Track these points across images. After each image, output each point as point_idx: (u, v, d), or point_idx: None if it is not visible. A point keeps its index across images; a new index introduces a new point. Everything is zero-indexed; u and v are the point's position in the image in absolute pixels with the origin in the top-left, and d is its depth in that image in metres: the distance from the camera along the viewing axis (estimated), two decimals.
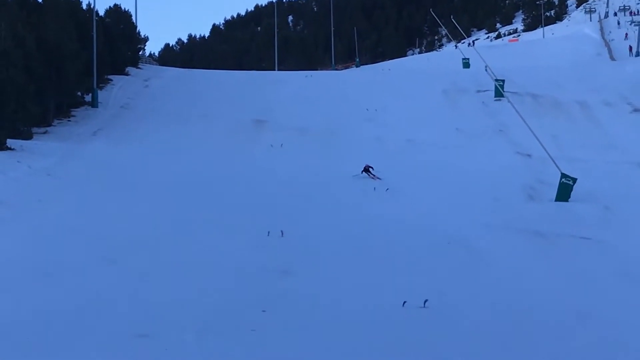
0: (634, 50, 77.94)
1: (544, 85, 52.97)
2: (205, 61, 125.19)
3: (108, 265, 21.73)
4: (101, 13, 62.63)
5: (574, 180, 32.08)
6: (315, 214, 29.25)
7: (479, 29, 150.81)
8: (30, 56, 41.09)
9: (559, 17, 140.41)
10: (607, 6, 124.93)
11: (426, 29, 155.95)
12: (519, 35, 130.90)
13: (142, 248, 23.79)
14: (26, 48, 40.98)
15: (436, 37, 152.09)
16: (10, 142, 37.24)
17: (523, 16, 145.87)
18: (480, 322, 17.53)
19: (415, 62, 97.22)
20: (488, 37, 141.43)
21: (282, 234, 25.38)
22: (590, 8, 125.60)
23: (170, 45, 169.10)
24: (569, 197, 31.96)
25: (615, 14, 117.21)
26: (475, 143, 42.29)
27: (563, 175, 32.33)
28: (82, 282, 19.91)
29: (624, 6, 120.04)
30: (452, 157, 39.42)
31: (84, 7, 54.88)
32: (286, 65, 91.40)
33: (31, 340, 15.43)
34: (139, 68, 65.26)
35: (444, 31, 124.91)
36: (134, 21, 69.34)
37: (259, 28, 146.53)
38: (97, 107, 49.94)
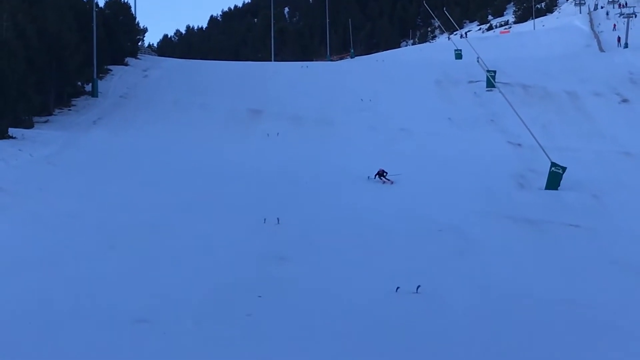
0: (622, 42, 77.89)
1: (534, 76, 52.95)
2: (203, 52, 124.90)
3: (108, 251, 21.75)
4: (101, 4, 62.39)
5: (564, 169, 32.14)
6: (311, 202, 29.27)
7: (471, 21, 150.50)
8: (31, 47, 40.98)
9: (550, 9, 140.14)
10: None
11: (419, 20, 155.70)
12: (510, 27, 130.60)
13: (141, 234, 23.81)
14: (27, 39, 40.87)
15: (429, 29, 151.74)
16: (11, 130, 37.20)
17: (514, 8, 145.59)
18: (471, 307, 17.58)
19: (408, 53, 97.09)
20: (480, 29, 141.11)
21: (278, 221, 25.39)
22: (580, 1, 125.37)
23: (169, 36, 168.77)
24: (559, 185, 32.02)
25: (603, 7, 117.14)
26: (467, 132, 42.29)
27: (553, 164, 32.38)
28: (82, 268, 19.91)
29: None
30: (445, 146, 39.40)
31: None
32: (282, 56, 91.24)
33: (32, 325, 15.44)
34: (138, 59, 65.06)
35: (437, 23, 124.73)
36: (133, 12, 69.07)
37: (255, 19, 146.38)
38: (97, 96, 49.86)
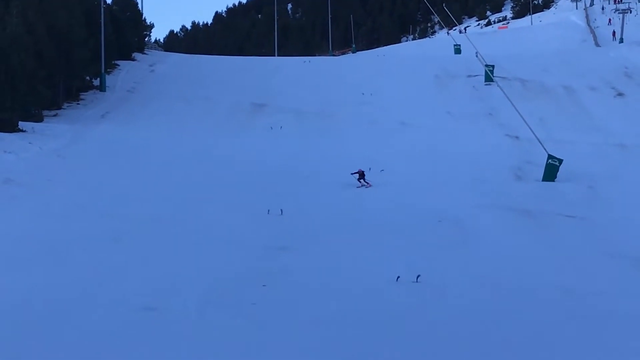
0: (617, 36, 77.73)
1: (531, 71, 52.89)
2: (208, 47, 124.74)
3: (115, 241, 21.76)
4: (108, 1, 62.35)
5: (560, 161, 32.11)
6: (313, 193, 29.27)
7: (470, 17, 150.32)
8: (40, 42, 41.00)
9: (547, 5, 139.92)
10: None
11: (419, 16, 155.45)
12: (508, 23, 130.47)
13: (148, 225, 23.84)
14: (37, 34, 40.89)
15: (429, 25, 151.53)
16: (22, 124, 37.24)
17: (512, 4, 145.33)
18: (470, 295, 17.56)
19: (408, 48, 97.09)
20: (479, 25, 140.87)
21: (282, 212, 25.39)
22: None
23: (175, 32, 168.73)
24: (555, 177, 31.99)
25: (596, 2, 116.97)
26: (466, 126, 42.24)
27: (549, 157, 32.35)
28: (90, 257, 19.93)
29: None
30: (444, 139, 39.37)
31: None
32: (285, 51, 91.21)
33: (42, 312, 15.45)
34: (145, 54, 65.06)
35: (436, 18, 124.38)
36: (140, 9, 69.16)
37: (259, 15, 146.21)
38: (105, 90, 49.88)
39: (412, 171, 33.23)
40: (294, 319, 15.45)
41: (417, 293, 17.53)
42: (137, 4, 67.63)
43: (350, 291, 17.51)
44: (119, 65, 56.74)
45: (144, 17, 70.12)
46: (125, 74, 54.74)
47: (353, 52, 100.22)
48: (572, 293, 17.87)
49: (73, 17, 45.51)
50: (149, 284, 17.66)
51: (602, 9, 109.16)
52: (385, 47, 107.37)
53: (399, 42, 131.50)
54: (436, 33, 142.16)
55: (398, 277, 18.30)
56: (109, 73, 52.71)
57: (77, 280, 17.82)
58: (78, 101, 47.30)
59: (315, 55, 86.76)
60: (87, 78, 50.52)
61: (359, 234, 23.49)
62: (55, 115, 43.18)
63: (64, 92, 46.44)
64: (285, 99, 47.99)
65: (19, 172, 29.76)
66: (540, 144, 33.76)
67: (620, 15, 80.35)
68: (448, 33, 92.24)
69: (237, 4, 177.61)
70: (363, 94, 48.71)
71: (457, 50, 68.58)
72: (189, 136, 39.71)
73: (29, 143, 34.82)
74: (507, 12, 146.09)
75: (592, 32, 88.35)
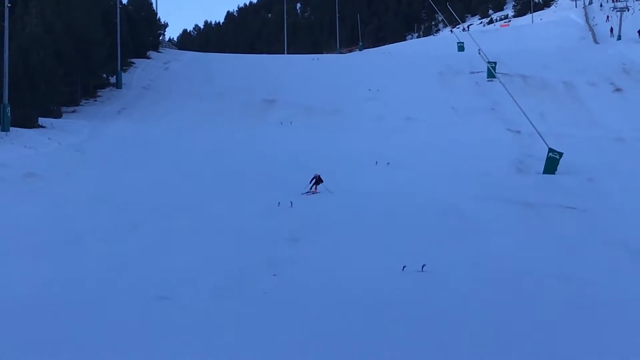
0: (615, 33, 77.37)
1: (532, 67, 52.78)
2: (220, 45, 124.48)
3: (131, 231, 21.82)
4: (124, 1, 62.37)
5: (560, 154, 32.07)
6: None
7: (473, 15, 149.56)
8: (59, 41, 41.09)
9: (547, 4, 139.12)
10: None
11: (424, 15, 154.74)
12: (509, 21, 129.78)
13: (162, 216, 23.88)
14: (56, 34, 40.97)
15: (433, 23, 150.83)
16: (41, 120, 37.37)
17: (514, 3, 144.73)
18: (474, 284, 17.55)
19: (413, 46, 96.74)
20: (481, 23, 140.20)
21: (292, 204, 25.40)
22: None
23: (188, 30, 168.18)
24: (556, 170, 31.96)
25: (595, 1, 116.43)
26: (469, 120, 42.20)
27: (550, 150, 32.31)
28: (107, 247, 19.99)
29: None
30: (448, 134, 39.36)
31: None
32: (294, 49, 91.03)
33: (62, 299, 15.51)
34: (159, 52, 65.11)
35: (440, 17, 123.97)
36: (155, 9, 69.19)
37: (269, 15, 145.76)
38: (121, 88, 49.98)
39: (417, 164, 33.21)
40: (303, 307, 15.47)
41: (423, 282, 17.54)
42: (151, 4, 67.70)
43: (357, 280, 17.51)
44: (134, 63, 56.81)
45: (158, 16, 70.13)
46: (141, 72, 54.81)
47: (360, 50, 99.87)
48: (571, 281, 17.86)
49: (90, 17, 45.60)
50: (163, 272, 17.69)
51: (601, 6, 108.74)
52: (390, 45, 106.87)
53: (404, 40, 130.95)
54: (440, 31, 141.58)
55: (404, 266, 18.30)
56: (125, 71, 52.81)
57: (95, 268, 17.88)
58: (95, 98, 47.40)
59: (323, 53, 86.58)
60: (104, 76, 50.62)
61: (365, 224, 23.49)
62: (73, 112, 43.29)
63: (82, 90, 46.54)
64: (294, 95, 47.99)
65: (40, 166, 29.86)
66: (541, 137, 33.71)
67: (618, 13, 79.91)
68: (451, 31, 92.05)
69: (248, 3, 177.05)
70: (369, 90, 48.68)
71: (461, 48, 68.41)
72: (202, 131, 39.75)
73: (49, 138, 34.93)
74: (509, 10, 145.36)
75: (591, 29, 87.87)
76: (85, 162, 32.37)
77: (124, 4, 59.69)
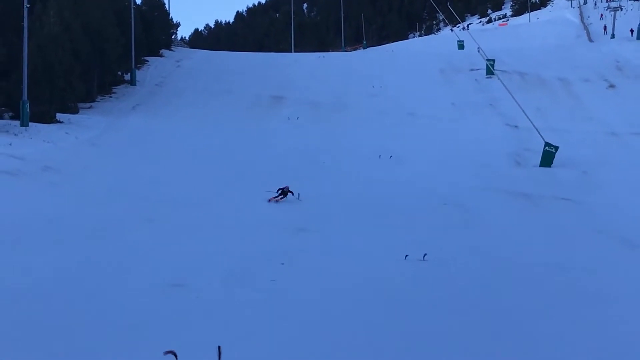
0: (609, 31, 77.01)
1: (529, 64, 52.64)
2: (230, 44, 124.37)
3: (146, 223, 21.85)
4: (138, 2, 62.33)
5: (556, 148, 32.03)
6: (327, 178, 29.28)
7: (473, 14, 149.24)
8: (76, 40, 41.08)
9: (544, 4, 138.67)
10: None
11: (425, 14, 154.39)
12: (507, 20, 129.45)
13: (175, 208, 23.90)
14: (73, 33, 40.96)
15: (434, 22, 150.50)
16: (59, 116, 37.39)
17: (511, 2, 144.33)
18: (473, 272, 17.58)
19: (415, 44, 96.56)
20: (480, 22, 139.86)
21: (299, 196, 25.40)
22: None
23: (199, 30, 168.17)
24: (552, 163, 31.92)
25: (589, 0, 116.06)
26: (469, 116, 42.12)
27: (546, 144, 32.27)
28: (123, 237, 20.02)
29: None
30: (448, 128, 39.30)
31: None
32: (301, 47, 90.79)
33: (80, 287, 15.55)
34: (172, 50, 65.05)
35: (441, 16, 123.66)
36: (167, 9, 69.06)
37: (277, 14, 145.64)
38: (135, 84, 49.96)
39: (419, 157, 33.20)
40: (309, 295, 15.50)
41: (424, 270, 17.55)
42: (164, 4, 67.54)
43: (361, 269, 17.54)
44: (148, 61, 56.79)
45: (170, 16, 70.07)
46: (154, 69, 54.79)
47: (364, 48, 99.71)
48: (567, 269, 17.90)
49: (106, 17, 45.58)
50: (177, 261, 17.74)
51: (595, 4, 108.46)
52: (394, 43, 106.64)
53: (407, 38, 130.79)
54: (441, 30, 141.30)
55: (406, 255, 18.32)
56: (138, 68, 52.80)
57: (112, 258, 17.92)
58: (110, 94, 47.40)
59: (329, 51, 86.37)
60: (119, 73, 50.64)
61: (369, 215, 23.53)
62: (89, 108, 43.29)
63: (98, 86, 46.55)
64: (301, 91, 47.93)
65: (58, 159, 29.89)
66: (538, 132, 33.66)
67: (612, 12, 79.55)
68: (452, 30, 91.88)
69: (256, 4, 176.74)
70: (373, 86, 48.59)
71: (461, 46, 68.21)
72: (212, 126, 39.73)
73: (66, 133, 34.96)
74: (507, 10, 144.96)
75: (586, 28, 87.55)
76: (101, 155, 32.39)
77: (138, 5, 59.68)
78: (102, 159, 31.78)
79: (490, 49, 54.61)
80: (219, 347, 11.44)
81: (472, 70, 52.21)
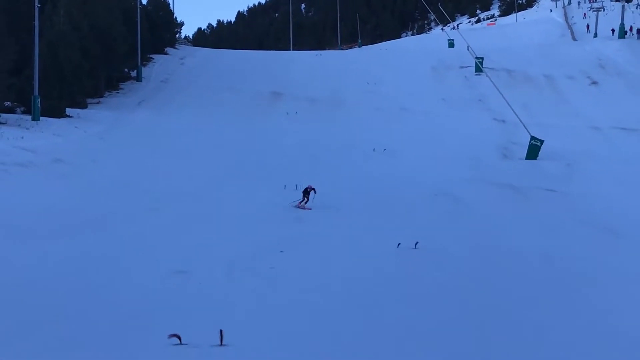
0: (592, 31, 76.93)
1: (516, 62, 52.57)
2: (232, 42, 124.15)
3: (152, 213, 21.83)
4: (144, 2, 62.06)
5: (542, 141, 32.04)
6: (323, 171, 29.22)
7: (462, 14, 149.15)
8: (85, 38, 40.96)
9: (530, 4, 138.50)
10: None
11: (417, 14, 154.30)
12: (495, 20, 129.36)
13: (180, 199, 23.89)
14: (82, 31, 40.84)
15: (426, 22, 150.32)
16: (69, 110, 37.32)
17: (499, 3, 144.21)
18: (463, 260, 17.56)
19: (408, 43, 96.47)
20: (470, 22, 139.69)
21: (296, 187, 25.35)
22: None
23: (202, 29, 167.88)
24: (537, 156, 31.92)
25: (573, 1, 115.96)
26: (458, 111, 42.10)
27: (532, 138, 32.28)
28: (130, 227, 19.99)
29: None
30: (439, 123, 39.28)
31: None
32: (299, 45, 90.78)
33: (87, 273, 15.51)
34: (176, 48, 64.87)
35: (432, 16, 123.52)
36: (172, 9, 68.81)
37: (276, 14, 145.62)
38: (141, 81, 49.86)
39: (411, 151, 33.19)
40: (306, 281, 15.47)
41: (416, 258, 17.54)
42: (169, 4, 67.31)
43: (356, 256, 17.52)
44: (153, 58, 56.66)
45: (175, 16, 69.76)
46: (159, 67, 54.66)
47: (359, 47, 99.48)
48: (552, 257, 17.88)
49: (113, 16, 45.46)
50: (181, 249, 17.70)
51: (578, 4, 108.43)
52: (387, 42, 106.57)
53: (400, 37, 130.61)
54: (432, 29, 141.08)
55: (399, 244, 18.30)
56: (144, 65, 52.68)
57: (119, 246, 17.90)
58: (118, 90, 47.31)
59: (325, 49, 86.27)
60: (126, 70, 50.54)
61: (364, 206, 23.52)
62: (97, 103, 43.21)
63: (105, 82, 46.47)
64: (299, 88, 47.84)
65: (67, 152, 29.84)
66: (524, 126, 33.65)
67: (595, 12, 79.46)
68: (442, 29, 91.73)
69: (257, 4, 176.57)
70: (368, 83, 48.52)
71: (451, 45, 68.07)
72: (214, 121, 39.66)
73: (75, 127, 34.90)
74: (495, 10, 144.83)
75: (570, 28, 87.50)
76: (109, 149, 32.32)
77: (144, 5, 59.48)
78: (109, 151, 31.71)
79: (479, 47, 54.53)
80: (221, 331, 11.46)
81: (461, 67, 52.12)
